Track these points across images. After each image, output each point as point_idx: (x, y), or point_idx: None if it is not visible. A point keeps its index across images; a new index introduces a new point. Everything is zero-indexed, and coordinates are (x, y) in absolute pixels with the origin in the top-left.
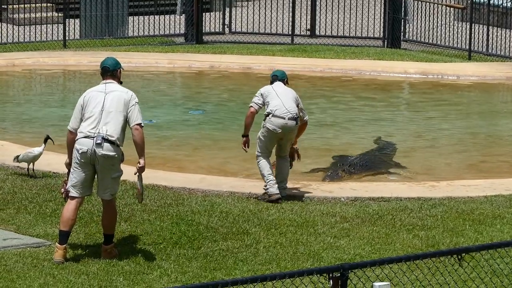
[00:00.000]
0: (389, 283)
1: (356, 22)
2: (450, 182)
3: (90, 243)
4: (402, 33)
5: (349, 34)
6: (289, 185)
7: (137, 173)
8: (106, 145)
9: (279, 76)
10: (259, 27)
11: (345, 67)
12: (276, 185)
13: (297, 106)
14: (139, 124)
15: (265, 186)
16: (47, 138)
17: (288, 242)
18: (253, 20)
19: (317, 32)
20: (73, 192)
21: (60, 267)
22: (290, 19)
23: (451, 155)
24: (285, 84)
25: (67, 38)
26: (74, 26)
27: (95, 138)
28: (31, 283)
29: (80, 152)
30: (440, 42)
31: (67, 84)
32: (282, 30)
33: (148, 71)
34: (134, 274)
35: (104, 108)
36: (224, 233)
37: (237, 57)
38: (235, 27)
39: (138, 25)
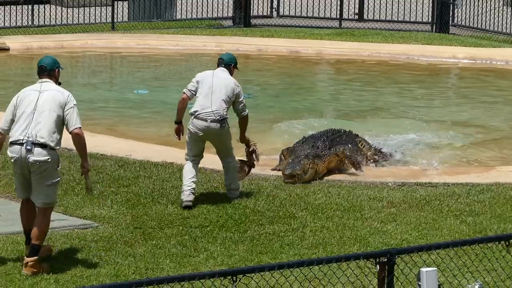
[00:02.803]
0: (436, 268)
1: (404, 6)
2: (498, 168)
3: (137, 225)
4: (450, 18)
5: (398, 18)
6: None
7: (84, 176)
8: (37, 149)
9: (225, 60)
10: (307, 11)
11: (393, 52)
12: (188, 192)
13: (229, 103)
14: (79, 128)
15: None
16: None
17: (334, 227)
18: (301, 3)
19: (365, 16)
20: (18, 195)
21: (106, 248)
22: (338, 2)
23: (499, 140)
24: (232, 70)
25: (115, 20)
26: (123, 8)
27: (24, 144)
28: (78, 264)
29: (12, 160)
30: (489, 27)
31: (114, 66)
32: (330, 14)
33: (196, 54)
34: (181, 256)
35: (37, 108)
36: (271, 217)
37: (284, 40)
38: (283, 11)
39: (186, 8)
